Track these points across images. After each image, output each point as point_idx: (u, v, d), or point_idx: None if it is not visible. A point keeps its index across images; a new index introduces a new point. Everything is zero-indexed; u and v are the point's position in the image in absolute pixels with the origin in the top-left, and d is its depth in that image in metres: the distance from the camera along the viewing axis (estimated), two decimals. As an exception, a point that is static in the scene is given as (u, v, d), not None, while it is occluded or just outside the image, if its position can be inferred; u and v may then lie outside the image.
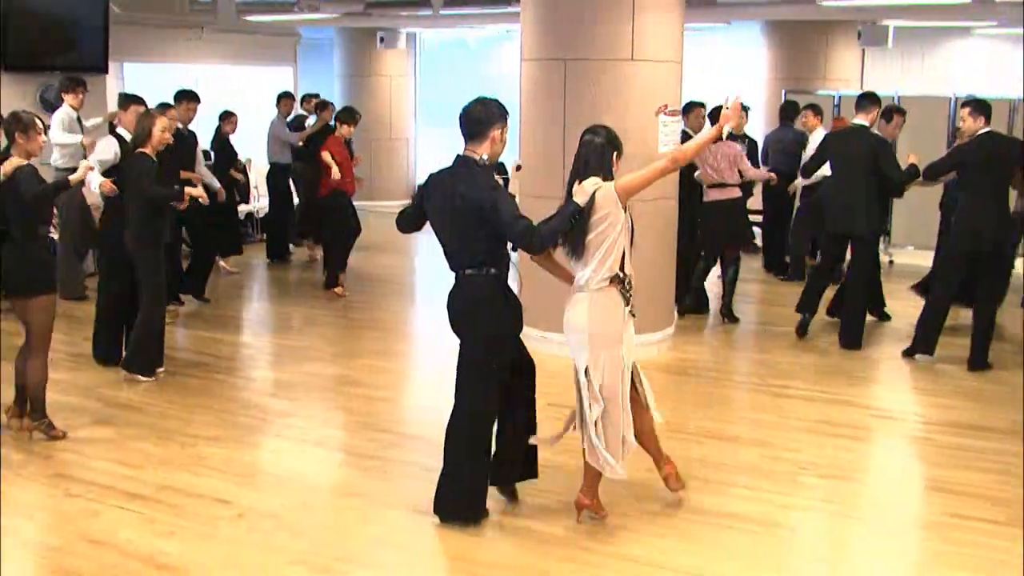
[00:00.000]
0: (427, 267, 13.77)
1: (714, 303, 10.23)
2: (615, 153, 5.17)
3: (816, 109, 11.73)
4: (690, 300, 9.86)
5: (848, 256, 9.23)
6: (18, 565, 4.93)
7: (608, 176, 5.10)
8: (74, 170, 8.38)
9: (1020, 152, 8.35)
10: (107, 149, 8.14)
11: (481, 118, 5.04)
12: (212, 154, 11.91)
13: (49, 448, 6.31)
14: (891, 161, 8.67)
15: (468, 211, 4.94)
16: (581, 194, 5.00)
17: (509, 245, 5.11)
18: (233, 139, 11.98)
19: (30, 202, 6.26)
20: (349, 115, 11.24)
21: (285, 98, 13.37)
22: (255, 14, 15.24)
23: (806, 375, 8.14)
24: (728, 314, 9.85)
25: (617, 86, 8.11)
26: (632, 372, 5.24)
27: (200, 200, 7.88)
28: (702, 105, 10.16)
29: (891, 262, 12.66)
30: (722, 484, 5.83)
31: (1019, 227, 8.80)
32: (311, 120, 13.37)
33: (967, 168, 8.25)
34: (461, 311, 5.15)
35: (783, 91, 14.64)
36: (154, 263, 7.60)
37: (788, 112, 12.22)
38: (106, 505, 5.50)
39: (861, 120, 8.88)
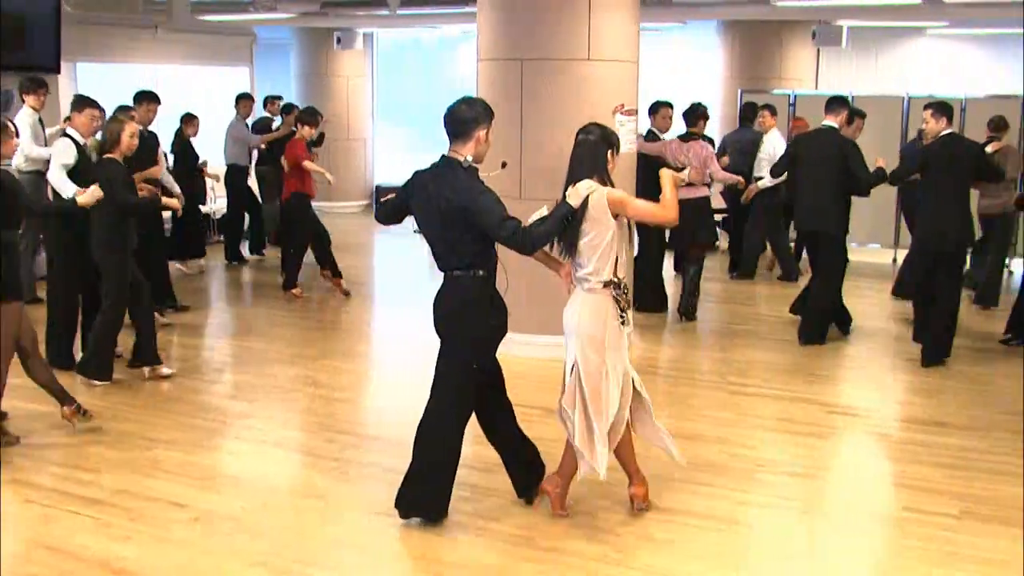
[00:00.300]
0: (386, 267, 13.74)
1: (673, 302, 10.28)
2: (610, 150, 5.16)
3: (772, 110, 11.83)
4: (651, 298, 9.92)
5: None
6: (-29, 572, 4.86)
7: (603, 174, 5.10)
8: (39, 174, 8.32)
9: (980, 153, 8.50)
10: (67, 153, 7.93)
11: (467, 118, 5.00)
12: (171, 156, 11.81)
13: (5, 453, 6.21)
14: (860, 162, 8.74)
15: (454, 214, 4.91)
16: (575, 196, 4.98)
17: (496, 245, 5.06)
18: (193, 141, 11.90)
19: (37, 214, 6.29)
20: (311, 116, 11.18)
21: (244, 99, 13.29)
22: (210, 14, 15.12)
23: (765, 373, 8.20)
24: (687, 313, 9.89)
25: (574, 86, 8.12)
26: (633, 385, 5.24)
27: (176, 212, 7.79)
28: (669, 105, 10.21)
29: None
30: (682, 482, 5.84)
31: (981, 227, 8.98)
32: (277, 122, 13.30)
33: (930, 169, 8.37)
34: (448, 312, 5.09)
35: (739, 91, 14.75)
36: (120, 269, 7.48)
37: (747, 113, 12.30)
38: (62, 510, 5.43)
39: (830, 121, 8.95)
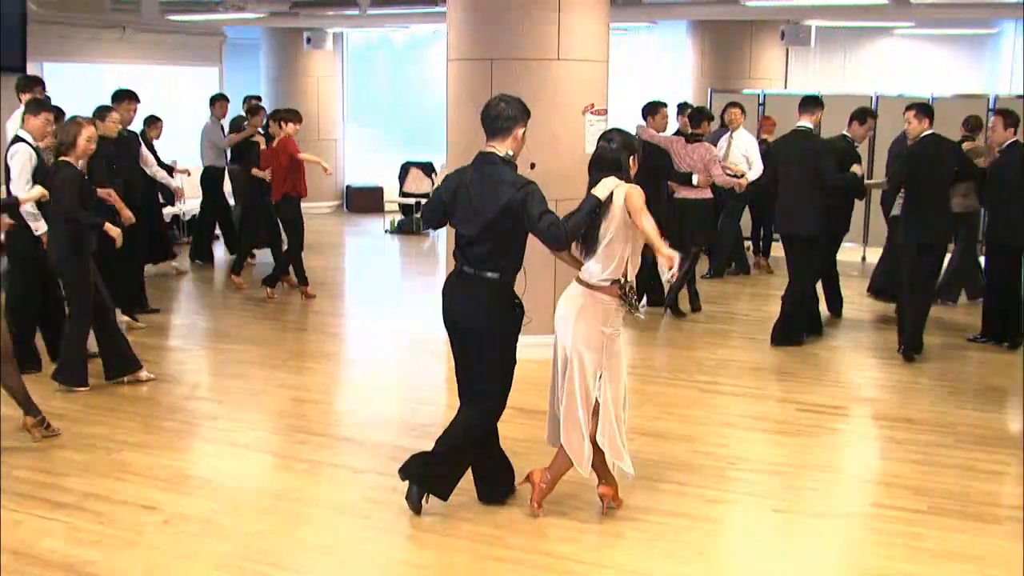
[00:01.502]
0: (357, 268, 13.70)
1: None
2: (632, 156, 5.21)
3: (741, 108, 11.84)
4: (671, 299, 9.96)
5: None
6: (-64, 578, 4.80)
7: (626, 178, 5.13)
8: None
9: (959, 152, 8.63)
10: (27, 163, 7.71)
11: (507, 115, 5.06)
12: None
13: (-32, 457, 6.15)
14: (831, 165, 8.70)
15: (499, 212, 4.97)
16: (603, 188, 5.05)
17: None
18: (157, 143, 11.79)
19: None
20: (295, 114, 11.15)
21: (219, 100, 13.20)
22: (179, 13, 15.03)
23: (736, 371, 8.22)
24: (673, 307, 9.96)
25: (544, 85, 8.11)
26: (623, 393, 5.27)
27: (116, 241, 7.61)
28: (665, 105, 10.23)
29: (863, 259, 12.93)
30: (652, 480, 5.84)
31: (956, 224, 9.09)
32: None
33: (914, 169, 8.47)
34: (490, 310, 5.13)
35: (709, 90, 14.79)
36: (78, 273, 7.37)
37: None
38: (28, 514, 5.36)
39: (805, 122, 8.98)
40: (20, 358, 7.78)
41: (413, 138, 18.19)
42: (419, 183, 16.10)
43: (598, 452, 5.30)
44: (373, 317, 10.21)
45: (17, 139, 7.91)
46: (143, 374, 7.76)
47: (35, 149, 7.72)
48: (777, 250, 11.19)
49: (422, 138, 17.34)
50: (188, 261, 12.91)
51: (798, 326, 9.01)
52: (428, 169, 16.14)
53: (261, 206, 11.38)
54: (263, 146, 11.65)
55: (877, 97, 13.37)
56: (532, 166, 5.82)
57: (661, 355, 8.83)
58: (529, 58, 8.10)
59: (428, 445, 5.39)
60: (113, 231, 7.48)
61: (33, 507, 5.45)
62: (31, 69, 12.48)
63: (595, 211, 5.02)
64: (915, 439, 6.63)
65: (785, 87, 16.24)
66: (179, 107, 14.33)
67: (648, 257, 9.59)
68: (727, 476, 6.01)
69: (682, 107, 11.83)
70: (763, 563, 5.02)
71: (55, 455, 6.23)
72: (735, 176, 9.92)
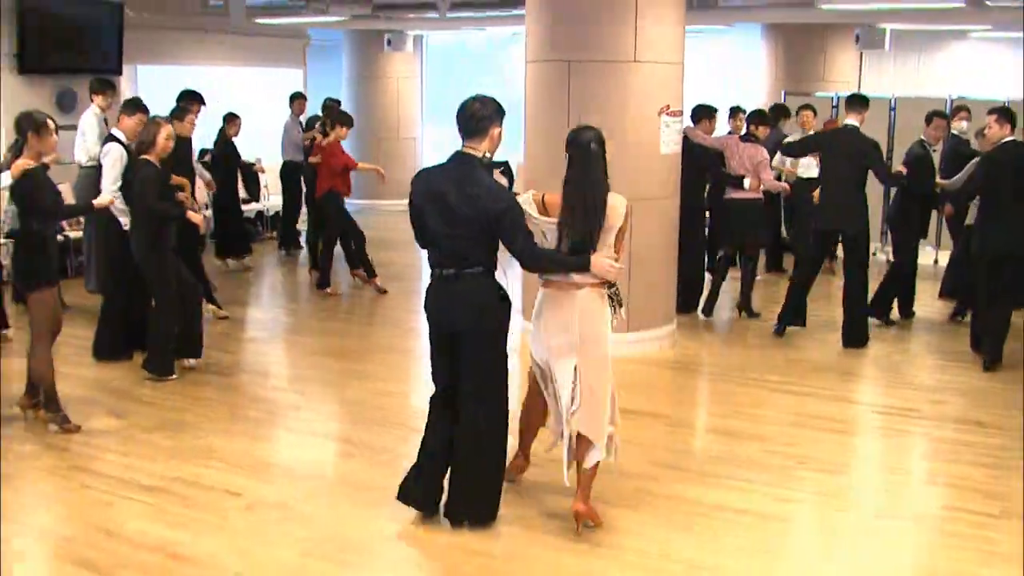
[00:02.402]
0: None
1: (726, 299, 10.21)
2: (605, 153, 5.10)
3: (814, 109, 11.71)
4: (705, 302, 9.86)
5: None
6: (35, 555, 4.94)
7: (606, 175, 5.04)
8: (98, 170, 8.41)
9: None
10: (119, 161, 7.97)
11: (483, 115, 4.93)
12: (209, 154, 11.98)
13: (64, 441, 6.31)
14: (879, 162, 8.66)
15: (479, 215, 4.83)
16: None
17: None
18: (239, 140, 12.00)
19: (45, 212, 6.44)
20: (347, 117, 11.26)
21: (298, 99, 13.51)
22: (265, 16, 15.23)
23: (804, 371, 8.12)
24: (747, 309, 9.85)
25: (620, 87, 8.10)
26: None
27: (198, 226, 7.77)
28: (716, 110, 10.19)
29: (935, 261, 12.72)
30: (720, 478, 5.81)
31: None
32: None
33: (994, 176, 8.21)
34: (482, 307, 4.97)
35: (783, 92, 14.63)
36: (160, 267, 7.53)
37: (776, 114, 12.10)
38: (119, 496, 5.50)
39: (852, 120, 8.84)
40: (101, 347, 8.02)
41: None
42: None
43: (581, 467, 5.11)
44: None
45: (111, 138, 8.16)
46: (190, 361, 7.85)
47: (127, 148, 7.93)
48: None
49: (498, 138, 17.38)
50: (278, 252, 13.22)
51: (867, 323, 8.92)
52: (505, 169, 16.16)
53: (326, 206, 11.38)
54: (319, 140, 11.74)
55: (951, 100, 13.11)
56: (505, 164, 5.77)
57: (730, 355, 8.73)
58: (606, 60, 8.08)
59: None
60: (195, 218, 7.70)
61: (122, 489, 5.58)
62: (126, 72, 12.77)
63: (570, 270, 4.96)
64: (986, 442, 6.49)
65: (859, 90, 15.98)
66: (265, 107, 14.53)
67: (695, 257, 9.64)
68: (796, 475, 5.94)
69: (734, 111, 11.72)
70: (830, 563, 4.96)
71: (144, 440, 6.36)
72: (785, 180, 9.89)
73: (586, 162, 4.99)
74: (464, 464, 5.10)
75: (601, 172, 5.00)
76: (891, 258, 9.94)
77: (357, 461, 6.16)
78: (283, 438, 6.68)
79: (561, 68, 8.20)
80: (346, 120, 11.10)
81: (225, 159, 11.88)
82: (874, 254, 12.71)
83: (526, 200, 5.07)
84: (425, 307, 5.13)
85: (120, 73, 12.46)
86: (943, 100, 12.99)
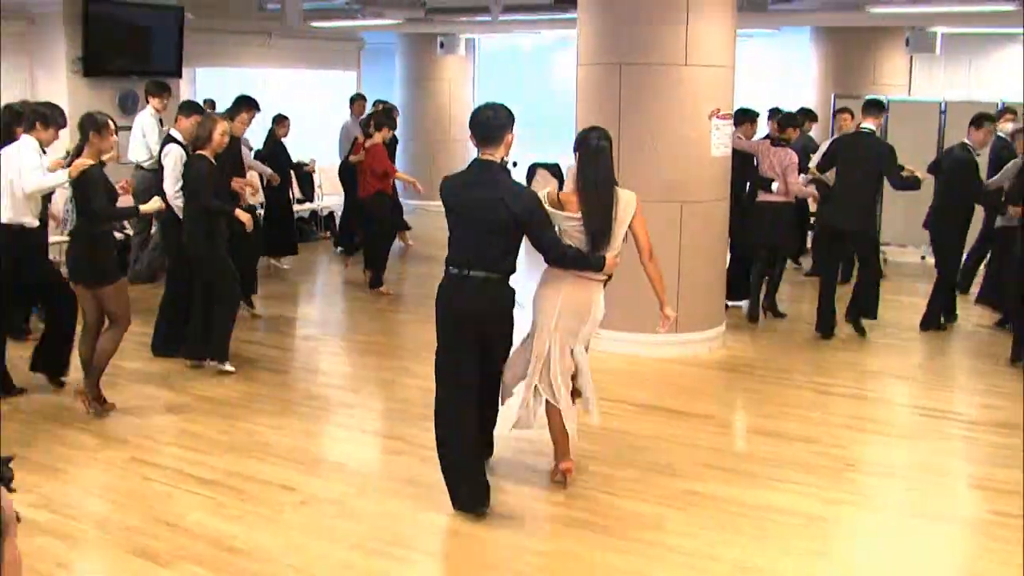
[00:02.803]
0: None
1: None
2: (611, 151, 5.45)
3: (851, 113, 11.59)
4: (749, 305, 9.79)
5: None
6: (97, 543, 5.01)
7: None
8: (155, 172, 8.58)
9: None
10: (178, 159, 8.10)
11: (497, 123, 5.12)
12: (259, 154, 12.10)
13: (125, 432, 6.41)
14: (892, 166, 8.72)
15: (508, 221, 5.04)
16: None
17: None
18: (291, 140, 12.10)
19: (98, 213, 6.61)
20: (389, 118, 11.37)
21: (358, 100, 13.70)
22: (320, 20, 15.37)
23: (851, 373, 8.04)
24: (773, 309, 9.85)
25: (672, 90, 8.07)
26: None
27: (246, 226, 7.85)
28: (757, 114, 10.14)
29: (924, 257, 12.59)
30: (769, 479, 5.77)
31: None
32: None
33: None
34: (502, 311, 5.27)
35: (832, 96, 14.48)
36: (214, 260, 7.65)
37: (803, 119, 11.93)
38: (178, 489, 5.57)
39: (869, 124, 8.95)
40: (158, 342, 8.14)
41: (540, 140, 18.29)
42: (546, 183, 16.15)
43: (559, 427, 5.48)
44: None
45: (170, 139, 8.31)
46: (211, 363, 7.89)
47: (185, 148, 8.06)
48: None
49: (549, 140, 17.41)
50: (333, 251, 13.33)
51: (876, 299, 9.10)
52: (555, 170, 16.18)
53: (371, 206, 11.44)
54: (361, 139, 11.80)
55: (1002, 105, 12.91)
56: (514, 164, 6.12)
57: (777, 355, 8.65)
58: (657, 63, 8.05)
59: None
60: (243, 216, 7.77)
61: (182, 482, 5.66)
62: (186, 75, 12.94)
63: (586, 267, 5.28)
64: (1037, 447, 6.40)
65: (909, 93, 15.80)
66: (320, 109, 14.67)
67: (740, 253, 9.62)
68: (844, 477, 5.89)
69: (773, 112, 11.62)
70: (879, 565, 4.91)
71: (201, 435, 6.45)
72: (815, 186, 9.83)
73: (596, 163, 5.29)
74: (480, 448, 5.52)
75: (609, 171, 5.33)
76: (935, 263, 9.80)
77: (407, 458, 6.18)
78: (335, 434, 6.73)
79: (612, 71, 8.19)
80: (388, 122, 11.18)
81: (275, 159, 11.99)
82: (923, 258, 12.60)
83: (542, 198, 5.28)
84: (446, 300, 5.31)
85: (180, 75, 12.66)
86: (994, 104, 12.81)
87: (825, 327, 9.06)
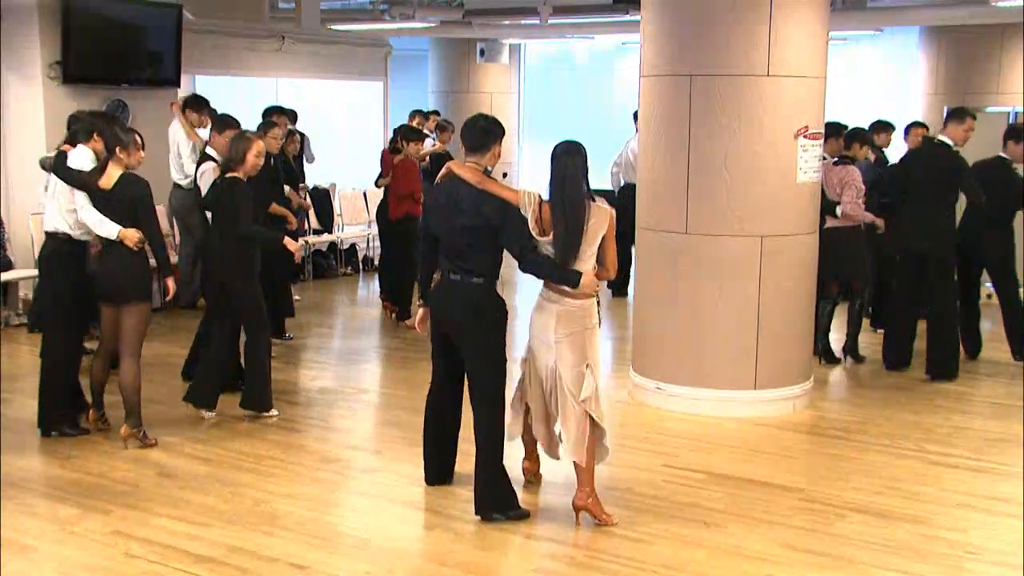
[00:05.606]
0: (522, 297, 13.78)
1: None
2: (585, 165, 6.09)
3: (925, 127, 11.64)
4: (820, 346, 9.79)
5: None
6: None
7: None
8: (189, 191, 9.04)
9: None
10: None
11: (488, 131, 6.17)
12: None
13: (106, 502, 6.45)
14: (971, 182, 9.06)
15: (485, 226, 5.99)
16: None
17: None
18: (317, 163, 12.24)
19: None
20: (417, 133, 11.64)
21: (446, 128, 13.91)
22: (342, 23, 15.53)
23: (972, 441, 7.93)
24: (853, 353, 9.96)
25: (750, 105, 8.05)
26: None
27: (296, 255, 8.43)
28: (845, 127, 10.20)
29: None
30: (872, 566, 5.70)
31: None
32: (431, 138, 13.55)
33: None
34: (494, 316, 6.19)
35: (945, 108, 14.35)
36: (247, 292, 7.94)
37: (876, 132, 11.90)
38: (169, 568, 5.59)
39: (946, 138, 9.22)
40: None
41: (595, 159, 18.30)
42: (601, 219, 16.12)
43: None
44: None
45: (206, 156, 8.85)
46: (207, 413, 8.14)
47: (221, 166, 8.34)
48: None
49: (606, 159, 17.44)
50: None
51: (957, 353, 9.43)
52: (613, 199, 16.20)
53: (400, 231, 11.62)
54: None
55: None
56: (504, 175, 6.94)
57: (879, 418, 8.54)
58: (735, 74, 8.05)
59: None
60: (293, 245, 8.20)
61: (174, 559, 5.68)
62: (184, 83, 13.08)
63: (561, 280, 6.01)
64: None
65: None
66: (342, 125, 14.78)
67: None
68: (964, 568, 5.79)
69: (874, 126, 11.64)
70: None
71: (199, 503, 6.48)
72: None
73: (563, 179, 5.95)
74: (486, 453, 6.30)
75: (577, 187, 5.95)
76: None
77: (440, 532, 6.18)
78: (356, 504, 6.75)
79: (682, 83, 8.20)
80: (416, 135, 11.31)
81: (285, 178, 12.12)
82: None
83: (526, 203, 6.00)
84: (433, 302, 6.35)
85: (178, 84, 12.75)
86: None
87: (943, 366, 9.33)
